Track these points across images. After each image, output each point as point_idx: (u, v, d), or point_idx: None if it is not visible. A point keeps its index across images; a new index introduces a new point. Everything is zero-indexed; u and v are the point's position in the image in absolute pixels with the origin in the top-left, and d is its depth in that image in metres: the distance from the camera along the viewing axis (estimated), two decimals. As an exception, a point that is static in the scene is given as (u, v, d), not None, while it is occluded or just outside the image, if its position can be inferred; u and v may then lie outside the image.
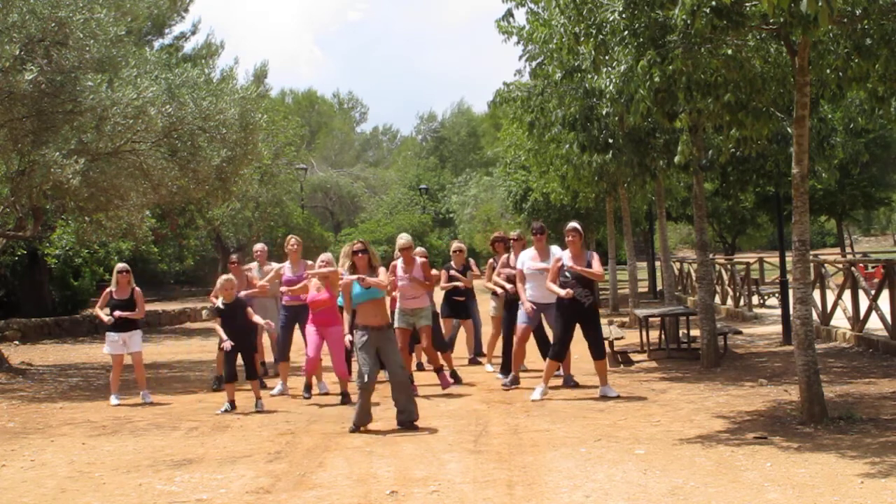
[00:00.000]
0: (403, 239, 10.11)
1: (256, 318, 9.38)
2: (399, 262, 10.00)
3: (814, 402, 7.31)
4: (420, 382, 10.43)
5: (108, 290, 10.09)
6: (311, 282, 9.61)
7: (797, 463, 6.03)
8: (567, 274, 9.10)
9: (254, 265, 11.76)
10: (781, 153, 11.31)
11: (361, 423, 7.82)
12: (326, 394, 9.98)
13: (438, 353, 10.12)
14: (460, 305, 11.80)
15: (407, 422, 7.82)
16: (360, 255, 8.09)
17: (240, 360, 9.27)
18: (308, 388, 9.85)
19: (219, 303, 9.29)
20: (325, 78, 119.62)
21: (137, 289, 10.08)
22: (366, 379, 7.81)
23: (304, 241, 11.41)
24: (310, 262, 10.45)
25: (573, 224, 9.35)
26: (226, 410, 9.02)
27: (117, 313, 9.84)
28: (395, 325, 9.87)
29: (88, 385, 11.70)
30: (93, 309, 11.20)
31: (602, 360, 9.24)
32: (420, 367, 11.81)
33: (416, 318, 9.91)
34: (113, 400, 9.86)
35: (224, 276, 9.42)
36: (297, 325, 10.36)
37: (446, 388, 9.78)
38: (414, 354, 11.19)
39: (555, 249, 9.82)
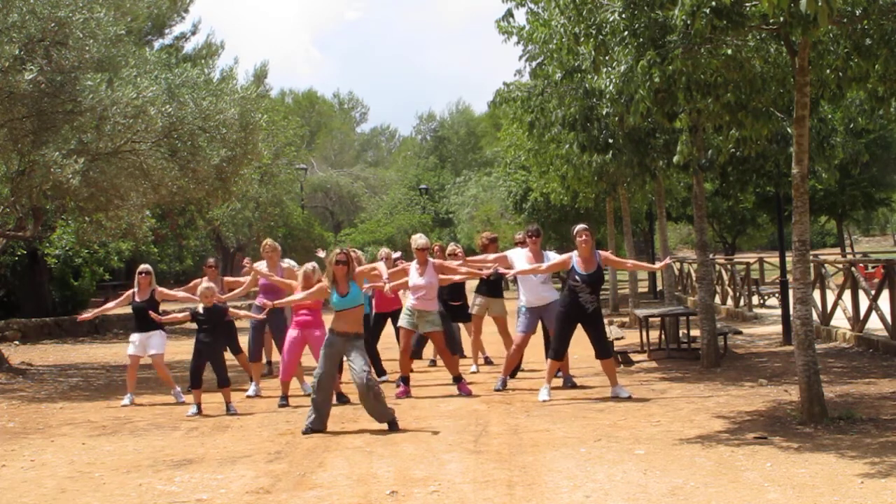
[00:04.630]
0: (422, 239, 9.85)
1: (242, 313, 10.03)
2: (413, 265, 9.84)
3: (814, 402, 7.31)
4: (423, 382, 10.45)
5: (130, 291, 10.08)
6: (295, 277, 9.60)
7: (797, 463, 6.03)
8: (577, 277, 9.02)
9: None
10: (781, 153, 11.28)
11: (315, 428, 7.72)
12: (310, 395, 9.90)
13: (456, 363, 9.93)
14: (458, 309, 11.53)
15: (390, 423, 7.74)
16: (340, 265, 7.93)
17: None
18: (284, 397, 9.33)
19: (199, 308, 9.21)
20: (324, 78, 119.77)
21: (158, 288, 10.04)
22: (316, 383, 7.82)
23: (304, 241, 11.41)
24: (287, 266, 10.47)
25: (583, 225, 9.16)
26: (194, 414, 8.96)
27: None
28: (399, 323, 9.87)
29: (88, 385, 11.71)
30: (94, 309, 11.15)
31: (608, 360, 9.18)
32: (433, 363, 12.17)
33: (419, 321, 9.65)
34: (124, 399, 9.84)
35: (204, 284, 9.39)
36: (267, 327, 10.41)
37: (468, 395, 9.49)
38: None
39: (550, 255, 9.76)
